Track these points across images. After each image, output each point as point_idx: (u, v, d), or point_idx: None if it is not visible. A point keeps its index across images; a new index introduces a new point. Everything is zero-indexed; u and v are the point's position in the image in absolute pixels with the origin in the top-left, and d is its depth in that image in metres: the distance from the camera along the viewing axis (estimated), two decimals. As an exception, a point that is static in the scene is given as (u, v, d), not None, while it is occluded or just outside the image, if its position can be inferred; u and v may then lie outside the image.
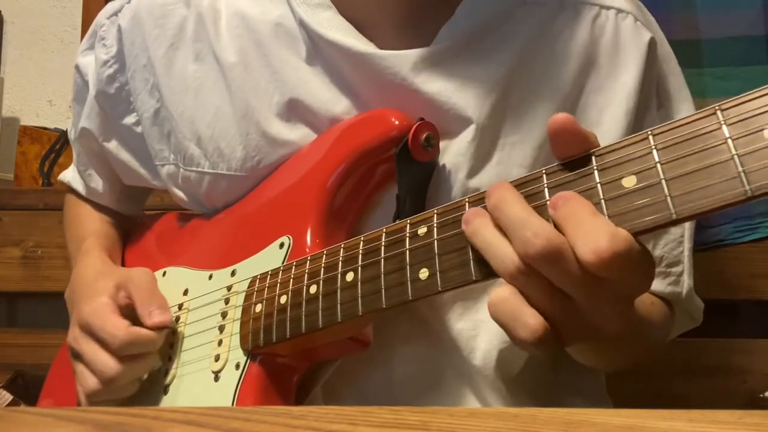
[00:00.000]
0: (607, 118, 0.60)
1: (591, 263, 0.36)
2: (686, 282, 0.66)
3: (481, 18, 0.60)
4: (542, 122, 0.59)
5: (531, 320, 0.38)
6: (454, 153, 0.59)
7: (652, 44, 0.61)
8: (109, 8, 0.72)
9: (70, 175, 0.83)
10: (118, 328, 0.58)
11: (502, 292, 0.40)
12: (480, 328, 0.60)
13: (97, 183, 0.79)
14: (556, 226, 0.38)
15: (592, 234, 0.36)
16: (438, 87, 0.59)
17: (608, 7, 0.61)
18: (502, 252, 0.39)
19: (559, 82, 0.60)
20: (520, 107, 0.59)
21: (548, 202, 0.40)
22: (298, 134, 0.62)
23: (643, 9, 0.64)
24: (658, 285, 0.64)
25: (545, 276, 0.38)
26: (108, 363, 0.58)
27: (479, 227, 0.41)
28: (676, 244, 0.65)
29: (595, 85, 0.60)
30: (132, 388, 0.61)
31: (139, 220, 0.83)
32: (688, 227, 0.66)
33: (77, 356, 0.61)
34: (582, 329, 0.40)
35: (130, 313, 0.62)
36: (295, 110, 0.62)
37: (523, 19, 0.60)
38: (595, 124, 0.60)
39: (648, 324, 0.60)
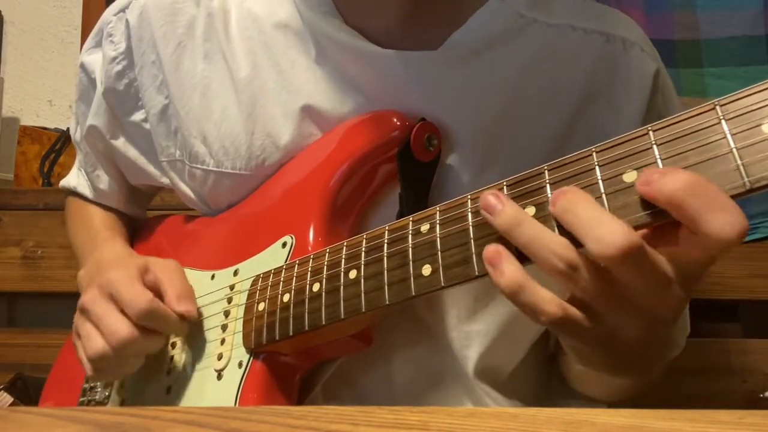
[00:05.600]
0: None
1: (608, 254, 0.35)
2: None
3: (493, 29, 0.60)
4: (541, 138, 0.60)
5: (550, 307, 0.38)
6: (456, 154, 0.59)
7: (656, 75, 0.62)
8: (115, 5, 0.72)
9: (74, 181, 0.81)
10: (142, 295, 0.56)
11: (514, 278, 0.39)
12: (473, 338, 0.61)
13: (105, 183, 0.78)
14: (559, 221, 0.38)
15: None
16: (444, 90, 0.60)
17: (616, 36, 0.62)
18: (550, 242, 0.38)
19: (562, 101, 0.60)
20: (521, 119, 0.60)
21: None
22: (304, 134, 0.62)
23: (648, 40, 0.64)
24: None
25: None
26: (121, 324, 0.56)
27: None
28: None
29: (598, 109, 0.61)
30: (134, 364, 0.59)
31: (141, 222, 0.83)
32: None
33: (88, 317, 0.59)
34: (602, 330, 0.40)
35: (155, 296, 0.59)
36: (301, 110, 0.62)
37: (533, 36, 0.61)
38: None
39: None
